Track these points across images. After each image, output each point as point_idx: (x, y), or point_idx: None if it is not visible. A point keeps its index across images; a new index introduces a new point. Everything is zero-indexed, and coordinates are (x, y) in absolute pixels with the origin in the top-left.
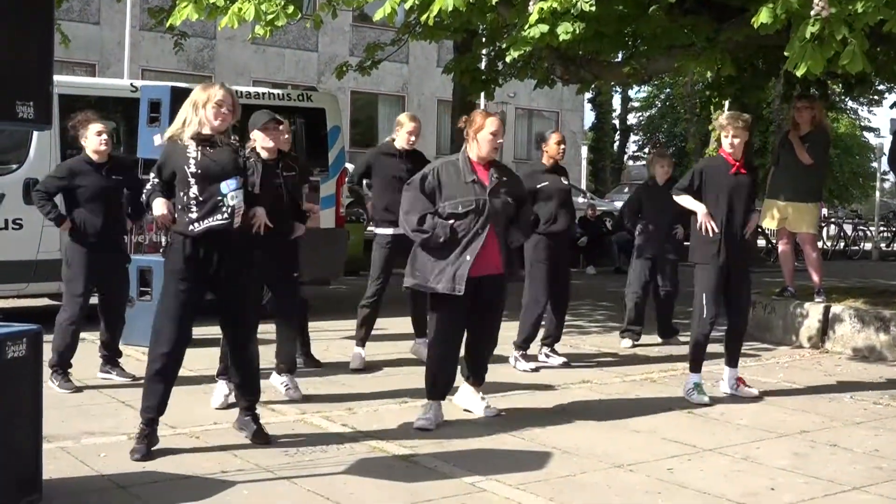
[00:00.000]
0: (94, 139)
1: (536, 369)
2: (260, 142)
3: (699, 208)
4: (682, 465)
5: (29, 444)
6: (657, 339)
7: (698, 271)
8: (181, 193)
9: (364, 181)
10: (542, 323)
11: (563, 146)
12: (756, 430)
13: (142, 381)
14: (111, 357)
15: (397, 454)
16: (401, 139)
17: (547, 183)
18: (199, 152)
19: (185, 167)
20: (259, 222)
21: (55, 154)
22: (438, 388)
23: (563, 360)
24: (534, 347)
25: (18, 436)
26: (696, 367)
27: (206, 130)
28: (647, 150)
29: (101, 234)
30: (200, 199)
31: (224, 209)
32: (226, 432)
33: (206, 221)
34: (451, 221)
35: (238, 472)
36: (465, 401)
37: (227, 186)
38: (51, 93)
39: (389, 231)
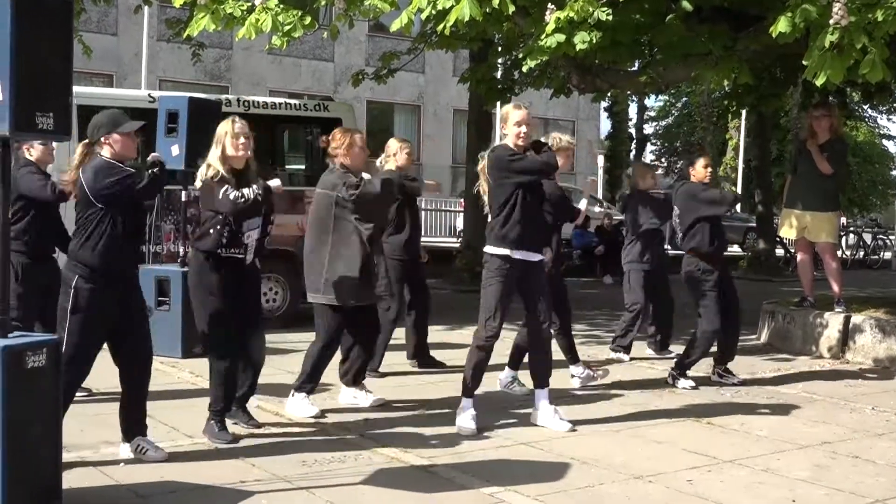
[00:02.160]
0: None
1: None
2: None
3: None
4: (702, 476)
5: (49, 453)
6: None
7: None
8: None
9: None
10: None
11: (709, 169)
12: (776, 442)
13: (101, 395)
14: None
15: (415, 464)
16: (511, 137)
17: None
18: None
19: None
20: None
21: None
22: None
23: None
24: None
25: (38, 445)
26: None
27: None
28: (663, 158)
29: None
30: None
31: None
32: (243, 442)
33: None
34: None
35: (256, 483)
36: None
37: None
38: (70, 104)
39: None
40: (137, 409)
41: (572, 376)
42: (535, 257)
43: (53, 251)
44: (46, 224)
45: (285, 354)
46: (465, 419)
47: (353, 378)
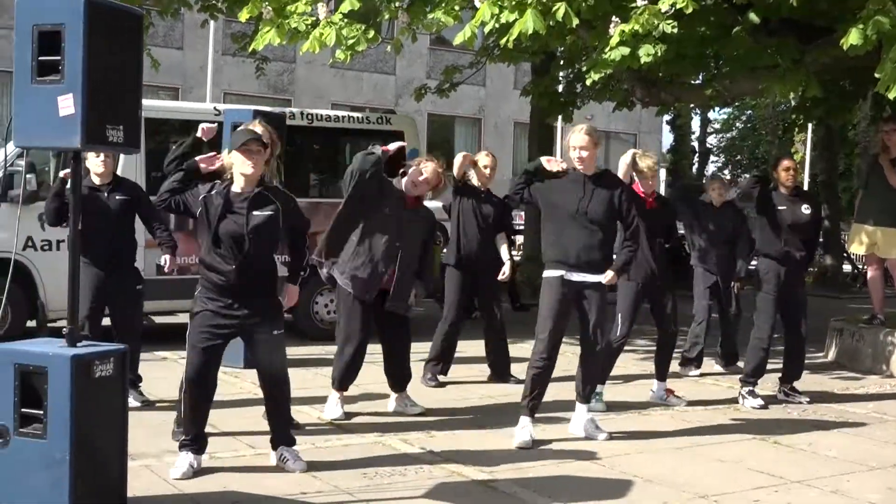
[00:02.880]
0: (93, 160)
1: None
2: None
3: None
4: (770, 496)
5: (115, 461)
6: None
7: (620, 290)
8: None
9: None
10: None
11: (790, 172)
12: (846, 463)
13: (162, 404)
14: (131, 381)
15: (476, 479)
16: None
17: (784, 209)
18: None
19: None
20: None
21: (141, 177)
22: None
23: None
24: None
25: (106, 453)
26: (602, 380)
27: None
28: (727, 171)
29: (106, 254)
30: None
31: None
32: (306, 454)
33: None
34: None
35: (317, 494)
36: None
37: None
38: (139, 117)
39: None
40: (276, 418)
41: (651, 390)
42: (592, 278)
43: (124, 262)
44: (111, 233)
45: None
46: (521, 432)
47: (391, 384)
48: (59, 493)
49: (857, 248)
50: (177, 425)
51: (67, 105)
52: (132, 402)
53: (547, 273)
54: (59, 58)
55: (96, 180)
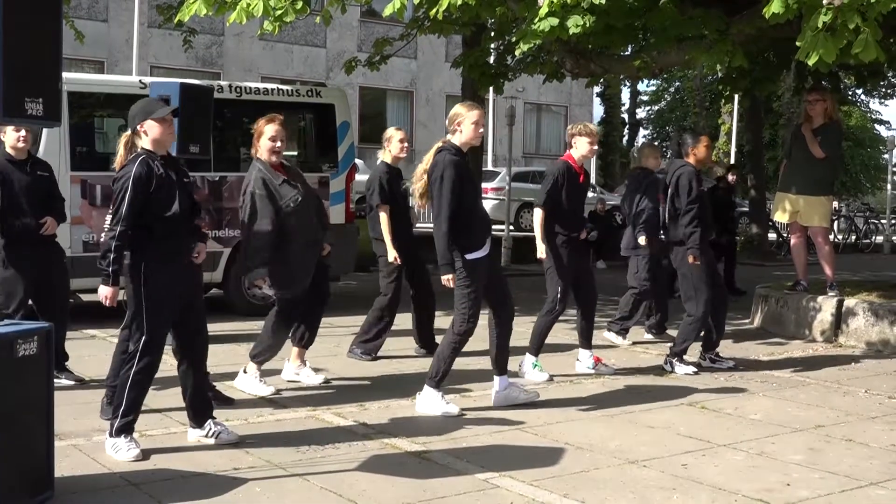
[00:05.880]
0: (12, 135)
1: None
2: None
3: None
4: (697, 460)
5: (41, 441)
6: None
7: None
8: None
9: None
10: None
11: (709, 150)
12: (770, 426)
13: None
14: (58, 360)
15: (409, 451)
16: (470, 134)
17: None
18: None
19: None
20: None
21: (65, 151)
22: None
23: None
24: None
25: (30, 433)
26: (536, 351)
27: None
28: (656, 143)
29: (34, 229)
30: None
31: None
32: (238, 429)
33: None
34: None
35: (250, 470)
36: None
37: None
38: (60, 90)
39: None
40: (204, 392)
41: (578, 360)
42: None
43: (48, 237)
44: (37, 209)
45: None
46: (443, 405)
47: (302, 344)
48: None
49: (780, 217)
50: (107, 403)
51: None
52: (64, 381)
53: (472, 256)
54: None
55: (14, 154)
